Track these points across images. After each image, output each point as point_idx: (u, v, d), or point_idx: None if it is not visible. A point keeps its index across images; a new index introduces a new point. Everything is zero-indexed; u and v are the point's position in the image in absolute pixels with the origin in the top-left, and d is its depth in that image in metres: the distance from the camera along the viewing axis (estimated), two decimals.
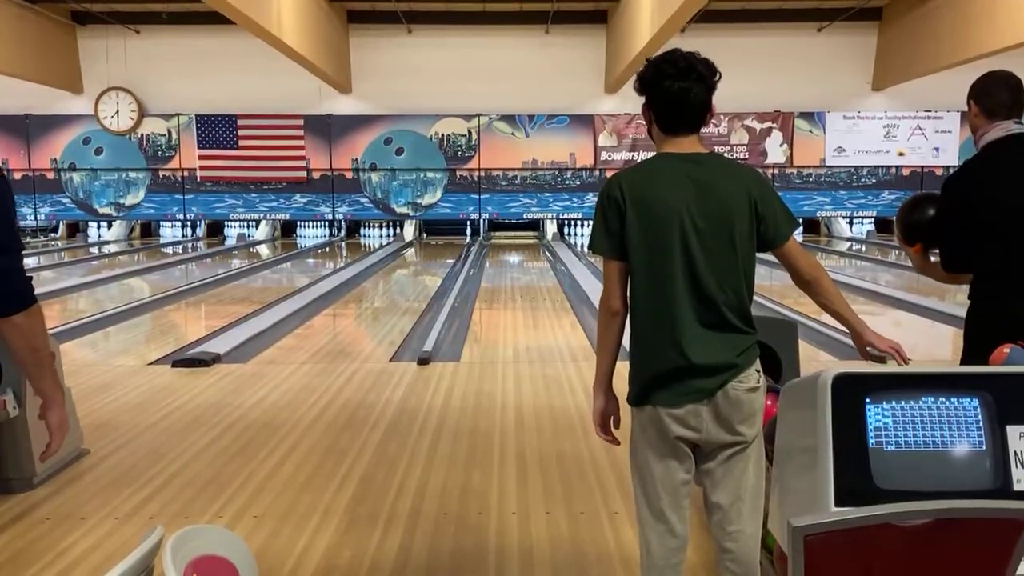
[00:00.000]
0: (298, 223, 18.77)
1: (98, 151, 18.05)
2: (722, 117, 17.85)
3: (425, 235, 18.94)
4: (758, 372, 2.31)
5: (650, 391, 2.28)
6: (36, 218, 18.07)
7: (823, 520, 1.84)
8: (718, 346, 2.24)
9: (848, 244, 17.11)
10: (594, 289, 10.10)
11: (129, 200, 18.27)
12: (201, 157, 17.81)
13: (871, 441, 1.93)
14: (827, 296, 2.38)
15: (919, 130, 17.97)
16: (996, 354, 3.09)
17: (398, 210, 18.30)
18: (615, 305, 2.32)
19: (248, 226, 18.74)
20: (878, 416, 1.94)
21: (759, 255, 2.33)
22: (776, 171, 18.03)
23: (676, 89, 2.23)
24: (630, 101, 17.64)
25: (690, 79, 2.24)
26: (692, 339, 2.23)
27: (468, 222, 18.56)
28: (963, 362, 3.03)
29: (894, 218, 3.09)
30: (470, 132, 18.00)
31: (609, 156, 17.99)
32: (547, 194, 18.17)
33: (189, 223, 18.58)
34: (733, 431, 2.26)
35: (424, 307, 9.15)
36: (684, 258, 2.22)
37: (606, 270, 2.33)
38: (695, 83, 2.24)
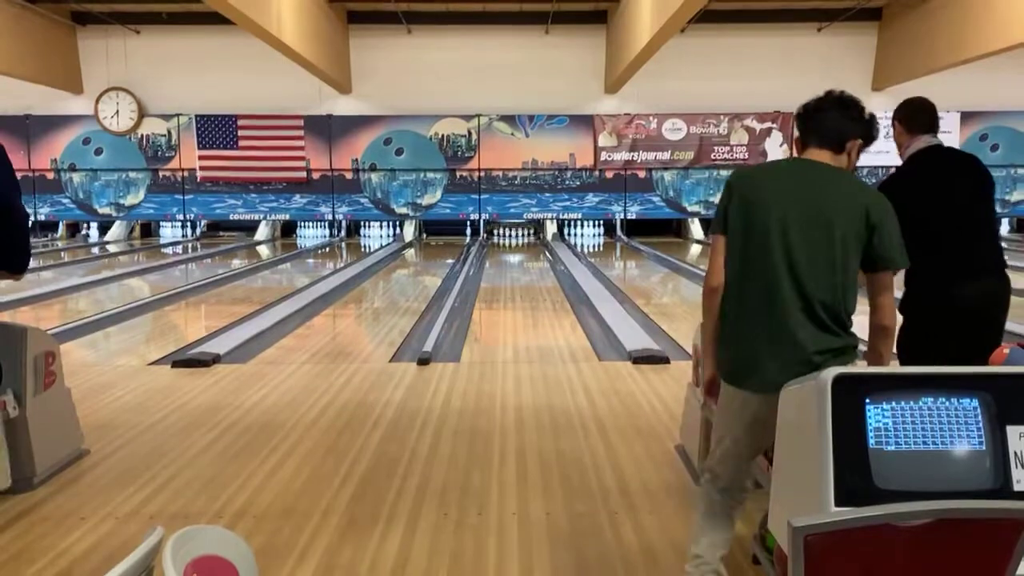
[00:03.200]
0: (298, 223, 18.77)
1: (98, 151, 18.05)
2: (722, 117, 17.85)
3: (425, 235, 18.94)
4: None
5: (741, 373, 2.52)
6: (36, 218, 18.06)
7: (823, 520, 1.84)
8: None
9: None
10: (594, 290, 10.10)
11: (129, 200, 18.27)
12: (201, 157, 17.81)
13: (871, 441, 1.93)
14: (877, 352, 2.53)
15: None
16: (996, 354, 3.11)
17: (398, 210, 18.30)
18: (713, 281, 2.58)
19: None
20: (878, 416, 1.94)
21: None
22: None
23: (812, 106, 2.65)
24: (630, 102, 17.65)
25: (830, 102, 2.62)
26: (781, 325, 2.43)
27: (468, 222, 18.57)
28: (902, 348, 3.36)
29: None
30: (470, 132, 18.00)
31: (609, 156, 17.98)
32: (547, 194, 18.17)
33: (189, 223, 18.60)
34: None
35: (424, 307, 9.15)
36: (782, 250, 2.43)
37: (712, 246, 2.63)
38: (833, 106, 2.61)
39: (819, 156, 2.57)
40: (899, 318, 2.79)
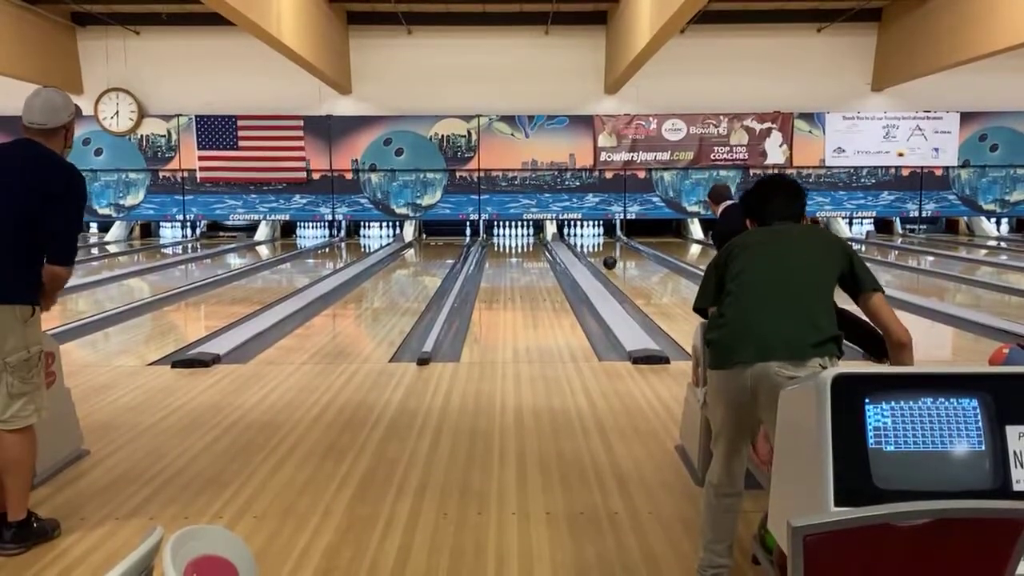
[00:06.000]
0: (298, 224, 18.77)
1: (98, 152, 18.05)
2: (722, 118, 17.85)
3: (425, 236, 18.94)
4: None
5: None
6: None
7: (822, 520, 1.84)
8: None
9: None
10: (594, 290, 10.10)
11: (129, 201, 18.27)
12: (201, 158, 17.81)
13: (870, 441, 1.93)
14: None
15: (918, 130, 17.98)
16: (995, 354, 3.11)
17: (398, 211, 18.31)
18: None
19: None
20: (877, 416, 1.94)
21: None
22: (775, 171, 18.00)
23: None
24: (629, 102, 17.65)
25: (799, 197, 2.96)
26: None
27: (468, 223, 18.57)
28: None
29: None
30: (470, 133, 18.00)
31: (609, 157, 17.98)
32: (547, 195, 18.17)
33: (189, 224, 18.61)
34: None
35: (424, 307, 9.15)
36: None
37: None
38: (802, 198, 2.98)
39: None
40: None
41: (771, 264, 2.75)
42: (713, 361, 2.73)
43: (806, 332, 2.57)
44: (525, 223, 18.68)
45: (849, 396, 1.94)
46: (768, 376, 2.54)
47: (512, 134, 18.00)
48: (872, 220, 18.66)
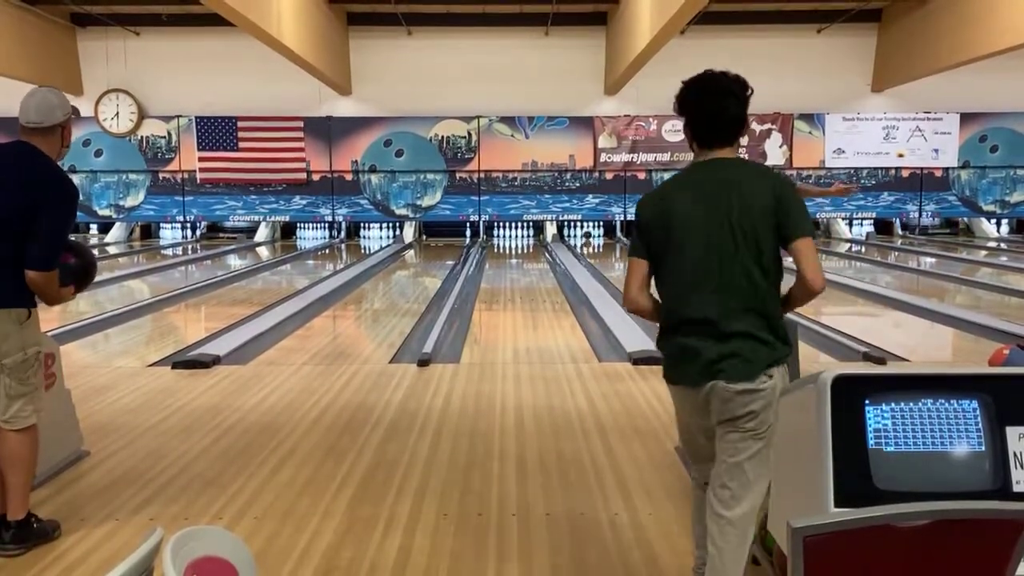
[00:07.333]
0: (298, 225, 18.76)
1: (98, 153, 18.05)
2: None
3: (425, 237, 18.94)
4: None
5: None
6: None
7: (822, 521, 1.84)
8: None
9: (848, 246, 17.12)
10: (593, 291, 10.10)
11: (129, 202, 18.27)
12: (201, 159, 17.80)
13: (871, 442, 1.94)
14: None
15: (918, 131, 17.97)
16: (995, 355, 3.11)
17: (398, 212, 18.30)
18: None
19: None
20: (878, 417, 1.95)
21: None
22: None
23: (714, 107, 2.62)
24: (629, 103, 17.65)
25: (727, 97, 2.63)
26: None
27: (468, 224, 18.57)
28: None
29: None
30: (470, 134, 18.00)
31: (609, 158, 17.98)
32: (547, 196, 18.17)
33: (189, 225, 18.60)
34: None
35: (424, 308, 9.15)
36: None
37: None
38: (730, 100, 2.64)
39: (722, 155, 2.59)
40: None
41: (705, 251, 2.44)
42: (664, 374, 2.61)
43: (750, 348, 2.39)
44: (525, 224, 18.66)
45: (849, 397, 1.94)
46: (717, 392, 2.41)
47: (512, 135, 17.99)
48: (872, 221, 18.66)
